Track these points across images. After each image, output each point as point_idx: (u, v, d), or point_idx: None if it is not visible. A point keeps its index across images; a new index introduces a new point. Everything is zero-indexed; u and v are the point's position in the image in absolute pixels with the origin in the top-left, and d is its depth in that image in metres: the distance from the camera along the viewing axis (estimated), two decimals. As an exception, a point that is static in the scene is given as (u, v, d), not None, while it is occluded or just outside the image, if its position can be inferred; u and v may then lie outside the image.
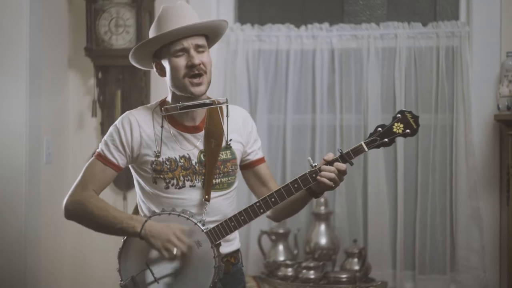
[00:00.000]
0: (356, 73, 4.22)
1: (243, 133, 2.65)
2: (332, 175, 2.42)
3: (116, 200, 4.19)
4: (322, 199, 4.08)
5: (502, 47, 4.01)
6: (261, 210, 2.48)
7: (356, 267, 4.00)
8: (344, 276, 3.92)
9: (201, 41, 2.52)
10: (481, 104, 4.04)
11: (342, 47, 4.23)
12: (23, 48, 3.85)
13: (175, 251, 2.42)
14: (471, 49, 4.07)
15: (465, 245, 4.05)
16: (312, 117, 4.25)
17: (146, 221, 2.47)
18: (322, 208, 4.09)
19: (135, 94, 4.23)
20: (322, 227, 4.10)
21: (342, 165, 2.43)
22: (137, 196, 2.65)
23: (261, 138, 2.79)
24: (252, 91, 4.28)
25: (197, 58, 2.48)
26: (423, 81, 4.15)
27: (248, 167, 2.69)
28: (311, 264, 3.94)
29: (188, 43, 2.49)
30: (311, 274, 3.93)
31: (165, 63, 2.54)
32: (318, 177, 2.43)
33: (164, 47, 2.52)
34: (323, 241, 4.09)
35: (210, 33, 2.57)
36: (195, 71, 2.48)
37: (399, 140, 4.13)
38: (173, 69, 2.50)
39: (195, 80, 2.49)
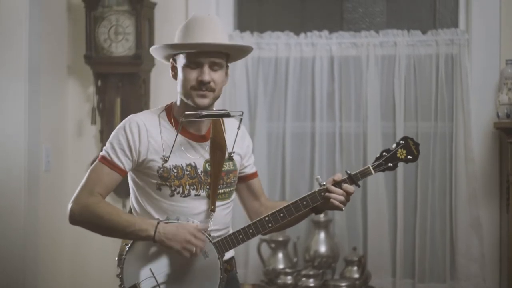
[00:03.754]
0: (356, 81, 4.21)
1: (242, 146, 2.67)
2: (342, 198, 2.52)
3: (115, 207, 4.19)
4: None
5: (501, 54, 4.01)
6: (270, 225, 2.52)
7: (356, 275, 3.99)
8: (343, 284, 3.92)
9: (219, 59, 2.51)
10: (481, 111, 4.04)
11: (342, 54, 4.23)
12: (22, 55, 3.86)
13: (194, 250, 2.42)
14: (470, 57, 4.07)
15: (464, 253, 4.04)
16: (312, 125, 4.25)
17: (158, 223, 2.45)
18: (322, 216, 4.08)
19: (135, 102, 4.22)
20: (322, 235, 4.10)
21: (351, 188, 2.54)
22: (130, 201, 2.62)
23: (260, 145, 2.83)
24: (252, 99, 4.28)
25: (208, 75, 2.47)
26: (422, 89, 4.15)
27: (243, 180, 2.71)
28: (311, 272, 3.94)
29: (205, 60, 2.48)
30: (311, 282, 3.92)
31: (179, 69, 2.53)
32: (332, 200, 2.51)
33: (183, 53, 2.52)
34: (322, 249, 4.08)
35: (233, 53, 2.58)
36: (202, 88, 2.48)
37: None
38: (184, 78, 2.50)
39: (201, 92, 2.49)
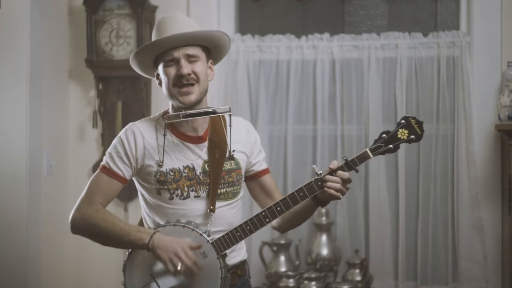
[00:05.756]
0: (357, 83, 4.21)
1: (246, 144, 2.64)
2: (338, 185, 2.41)
3: (118, 211, 4.18)
4: (323, 210, 4.07)
5: (502, 56, 4.01)
6: (267, 220, 2.46)
7: (358, 278, 3.99)
8: (346, 287, 3.92)
9: (193, 51, 2.51)
10: (482, 114, 4.03)
11: (343, 57, 4.23)
12: (23, 59, 3.86)
13: (179, 266, 2.39)
14: (471, 59, 4.07)
15: (467, 255, 4.04)
16: (313, 128, 4.25)
17: (154, 233, 2.44)
18: (324, 218, 4.09)
19: (136, 105, 4.22)
20: (324, 237, 4.09)
21: (345, 174, 2.42)
22: (141, 209, 2.64)
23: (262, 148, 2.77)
24: (253, 102, 4.28)
25: (186, 68, 2.48)
26: (424, 91, 4.15)
27: (253, 178, 2.68)
28: (313, 275, 3.93)
29: (179, 53, 2.49)
30: (313, 285, 3.91)
31: (160, 73, 2.55)
32: (326, 188, 2.41)
33: (159, 57, 2.53)
34: (324, 252, 4.08)
35: (206, 44, 2.56)
36: (183, 81, 2.48)
37: (401, 150, 4.10)
38: (166, 78, 2.51)
39: (183, 90, 2.49)
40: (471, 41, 4.07)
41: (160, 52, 2.51)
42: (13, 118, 3.86)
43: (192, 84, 2.49)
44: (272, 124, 4.28)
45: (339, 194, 2.41)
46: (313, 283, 3.92)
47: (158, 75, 2.58)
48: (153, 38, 2.54)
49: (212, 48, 2.59)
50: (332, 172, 2.42)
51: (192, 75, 2.49)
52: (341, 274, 4.10)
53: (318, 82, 4.23)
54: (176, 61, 2.49)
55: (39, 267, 3.97)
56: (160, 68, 2.53)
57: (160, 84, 2.57)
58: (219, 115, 2.58)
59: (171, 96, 2.51)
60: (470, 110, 4.04)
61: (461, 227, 4.05)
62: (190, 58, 2.50)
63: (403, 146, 4.07)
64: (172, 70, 2.49)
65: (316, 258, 4.07)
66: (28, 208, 3.85)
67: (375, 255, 4.15)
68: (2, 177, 3.85)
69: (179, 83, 2.48)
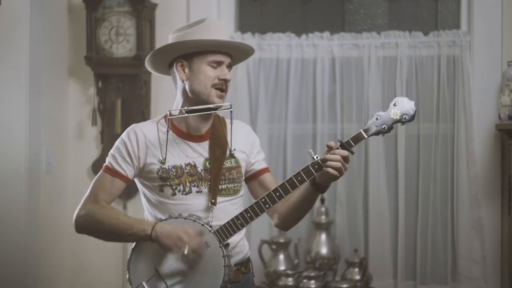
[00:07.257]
0: (357, 82, 4.21)
1: (246, 144, 2.69)
2: (338, 164, 2.42)
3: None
4: (322, 209, 4.07)
5: (503, 56, 4.01)
6: (267, 206, 2.48)
7: (357, 277, 3.98)
8: (345, 285, 3.92)
9: (230, 60, 2.63)
10: (483, 113, 4.03)
11: (343, 56, 4.22)
12: (23, 57, 3.86)
13: (186, 249, 2.42)
14: (472, 58, 4.06)
15: (466, 255, 4.03)
16: (313, 127, 4.25)
17: (156, 223, 2.49)
18: (323, 217, 4.08)
19: (135, 103, 4.21)
20: (323, 236, 4.09)
21: (344, 151, 2.43)
22: (144, 211, 2.67)
23: (261, 147, 2.79)
24: (253, 100, 4.28)
25: (229, 75, 2.59)
26: (424, 90, 4.15)
27: (253, 177, 2.71)
28: (312, 274, 3.93)
29: (225, 59, 2.59)
30: (312, 284, 3.91)
31: (195, 67, 2.58)
32: (325, 168, 2.42)
33: (199, 52, 2.57)
34: (323, 250, 4.07)
35: (239, 56, 2.68)
36: (222, 86, 2.57)
37: (400, 149, 4.13)
38: (204, 76, 2.56)
39: (220, 93, 2.57)
40: (471, 40, 4.07)
41: (205, 50, 2.56)
42: (12, 115, 3.85)
43: (226, 90, 2.60)
44: (272, 123, 4.28)
45: (336, 172, 2.42)
46: (312, 281, 3.91)
47: (181, 66, 2.59)
48: (193, 32, 2.56)
49: (234, 61, 2.69)
50: (329, 151, 2.45)
51: (228, 83, 2.60)
52: (340, 273, 4.10)
53: (318, 80, 4.22)
54: (219, 64, 2.58)
55: (38, 264, 3.97)
56: (198, 64, 2.57)
57: (181, 74, 2.59)
58: (219, 117, 2.67)
59: (206, 93, 2.56)
60: (470, 109, 4.03)
61: (461, 226, 4.05)
62: (228, 67, 2.61)
63: (402, 144, 4.14)
64: (214, 72, 2.57)
65: (315, 257, 4.07)
66: (27, 205, 3.85)
67: (375, 254, 4.15)
68: (2, 174, 3.85)
69: (219, 85, 2.57)
